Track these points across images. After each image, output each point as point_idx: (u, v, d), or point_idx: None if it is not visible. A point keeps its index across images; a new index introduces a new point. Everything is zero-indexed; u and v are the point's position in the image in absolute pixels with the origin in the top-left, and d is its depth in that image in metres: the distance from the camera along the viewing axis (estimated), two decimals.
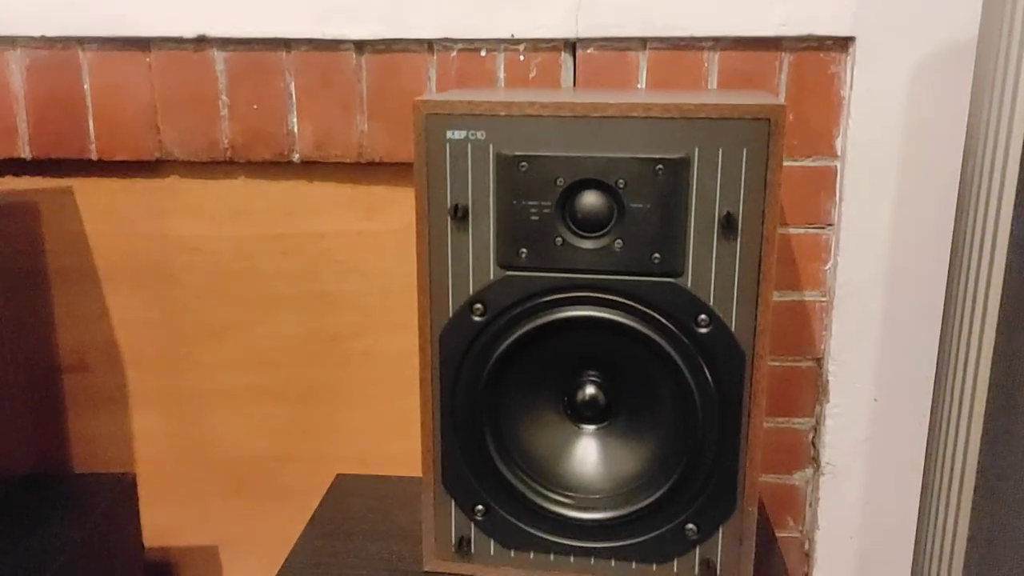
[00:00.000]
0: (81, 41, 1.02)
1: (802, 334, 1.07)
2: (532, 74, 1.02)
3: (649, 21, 0.99)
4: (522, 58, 1.02)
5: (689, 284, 0.72)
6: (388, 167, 1.07)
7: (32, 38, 1.01)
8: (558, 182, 0.72)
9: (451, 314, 0.76)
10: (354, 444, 1.18)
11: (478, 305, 0.75)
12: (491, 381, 0.76)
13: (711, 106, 0.69)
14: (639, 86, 1.02)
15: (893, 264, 1.03)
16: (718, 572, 0.78)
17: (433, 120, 0.72)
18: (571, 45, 1.01)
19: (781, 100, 0.91)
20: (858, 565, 1.14)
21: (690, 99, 0.71)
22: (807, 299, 1.06)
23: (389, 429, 1.17)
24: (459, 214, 0.73)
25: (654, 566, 0.79)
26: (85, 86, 1.03)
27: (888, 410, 1.08)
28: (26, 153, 1.05)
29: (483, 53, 1.02)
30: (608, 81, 1.02)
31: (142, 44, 1.02)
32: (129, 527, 1.02)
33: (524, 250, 0.74)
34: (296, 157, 1.06)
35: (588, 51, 1.01)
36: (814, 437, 1.11)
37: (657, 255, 0.72)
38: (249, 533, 1.21)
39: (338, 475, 1.03)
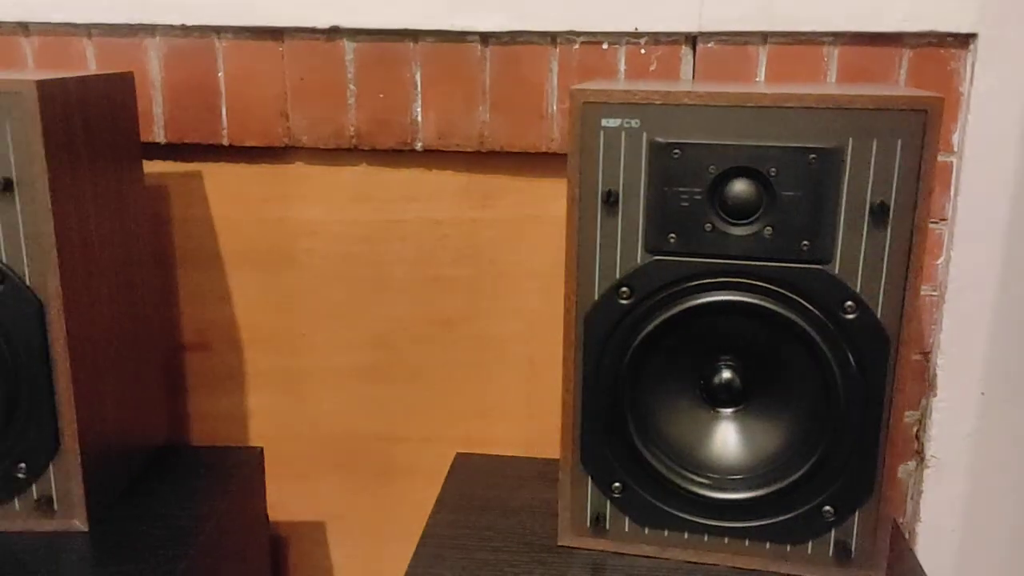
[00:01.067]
0: (218, 30, 1.06)
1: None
2: (652, 67, 1.05)
3: (771, 15, 1.01)
4: (643, 51, 1.04)
5: (837, 271, 0.74)
6: (505, 156, 1.10)
7: (171, 26, 1.06)
8: (710, 169, 0.74)
9: (596, 297, 0.79)
10: (461, 425, 1.21)
11: (624, 288, 0.78)
12: (634, 363, 0.79)
13: (867, 97, 0.70)
14: (758, 80, 1.04)
15: (1006, 260, 1.04)
16: (852, 555, 0.79)
17: (590, 108, 0.75)
18: (692, 39, 1.03)
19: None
20: (959, 559, 1.14)
21: (845, 90, 0.73)
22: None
23: (495, 411, 1.20)
24: (611, 199, 0.76)
25: (788, 547, 0.81)
26: (220, 74, 1.08)
27: (995, 405, 1.09)
28: (160, 138, 1.10)
29: (605, 46, 1.04)
30: (727, 75, 1.04)
31: (276, 34, 1.06)
32: (258, 499, 1.07)
33: (673, 235, 0.76)
34: (419, 145, 1.09)
35: (709, 45, 1.03)
36: (919, 430, 1.12)
37: (806, 242, 0.74)
38: (355, 510, 1.25)
39: (458, 454, 1.06)
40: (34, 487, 0.86)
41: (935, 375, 1.08)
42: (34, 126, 0.77)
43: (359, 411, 1.21)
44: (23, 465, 0.85)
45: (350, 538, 1.26)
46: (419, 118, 1.08)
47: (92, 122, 0.87)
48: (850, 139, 0.71)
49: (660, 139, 0.74)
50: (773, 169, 0.73)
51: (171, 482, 0.99)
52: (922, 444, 1.12)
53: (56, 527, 0.87)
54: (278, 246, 1.16)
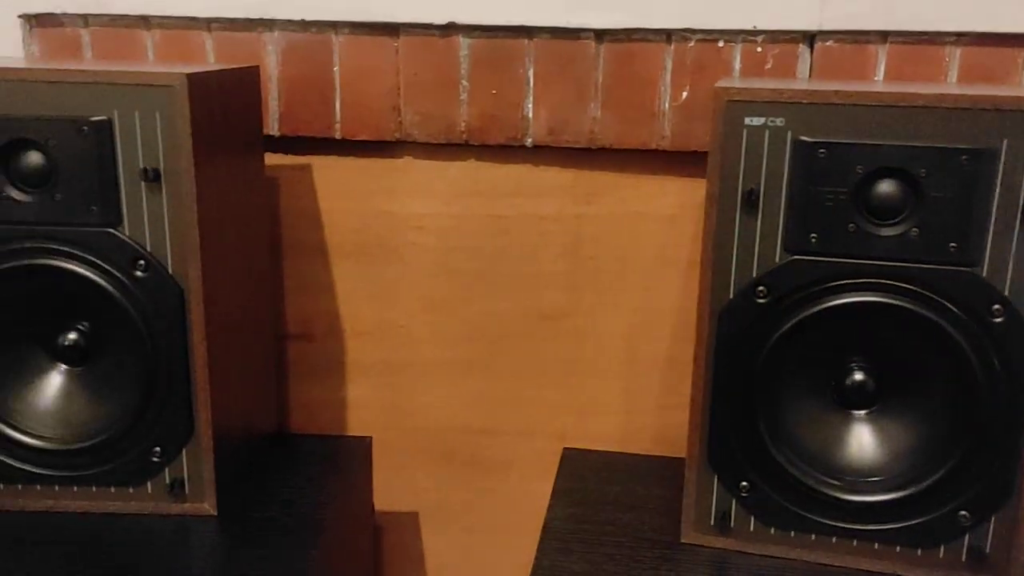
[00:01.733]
0: (335, 25, 1.07)
1: None
2: (768, 65, 1.04)
3: (892, 14, 0.99)
4: (759, 49, 1.04)
5: (985, 273, 0.73)
6: (612, 153, 1.10)
7: (290, 21, 1.07)
8: (857, 169, 0.73)
9: (732, 295, 0.79)
10: (557, 420, 1.21)
11: (761, 287, 0.78)
12: (768, 362, 0.79)
13: None
14: (876, 79, 1.03)
15: None
16: (987, 561, 0.78)
17: (734, 106, 0.75)
18: (810, 37, 1.03)
19: None
20: None
21: (1001, 91, 0.72)
22: None
23: (592, 407, 1.20)
24: (752, 198, 0.76)
25: (919, 551, 0.80)
26: (335, 68, 1.09)
27: None
28: (274, 131, 1.11)
29: (721, 44, 1.04)
30: (844, 74, 1.03)
31: (392, 30, 1.07)
32: (366, 488, 1.08)
33: (814, 235, 0.76)
34: (529, 142, 1.10)
35: (827, 43, 1.02)
36: None
37: (954, 244, 0.73)
38: (448, 502, 1.26)
39: (564, 449, 1.07)
40: (167, 471, 0.88)
41: None
42: (183, 119, 0.79)
43: (457, 404, 1.22)
44: (158, 449, 0.87)
45: (443, 528, 1.27)
46: (530, 114, 1.09)
47: (228, 115, 0.89)
48: (1004, 140, 0.70)
49: (806, 138, 0.74)
50: (923, 170, 0.72)
51: (286, 469, 1.01)
52: None
53: (186, 511, 0.89)
54: (383, 239, 1.17)
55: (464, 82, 1.08)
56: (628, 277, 1.16)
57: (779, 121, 0.74)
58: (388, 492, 1.25)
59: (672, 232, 1.14)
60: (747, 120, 0.75)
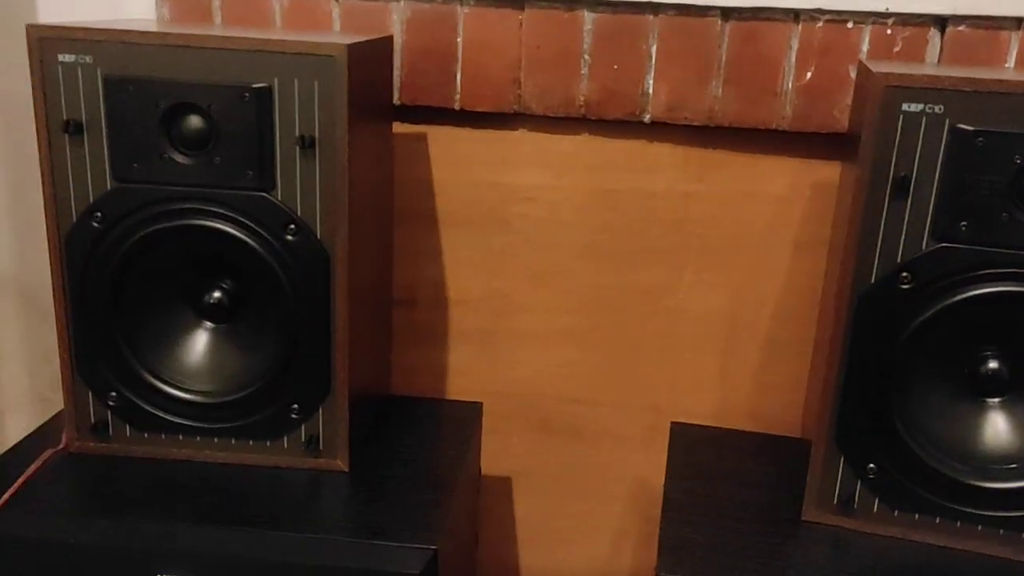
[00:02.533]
0: None
1: None
2: (897, 48, 1.03)
3: None
4: (889, 31, 1.03)
5: None
6: (729, 132, 1.11)
7: None
8: (1016, 159, 0.74)
9: (874, 280, 0.80)
10: (651, 394, 1.23)
11: (906, 273, 0.78)
12: (906, 348, 0.79)
13: None
14: (1007, 66, 1.02)
15: None
16: None
17: (892, 92, 0.75)
18: (942, 21, 1.02)
19: None
20: None
21: None
22: None
23: (687, 382, 1.22)
24: (904, 184, 0.76)
25: None
26: (458, 40, 1.10)
27: None
28: (396, 99, 1.13)
29: (850, 25, 1.03)
30: (974, 59, 1.02)
31: (517, 2, 1.08)
32: (476, 451, 1.11)
33: (965, 223, 0.76)
34: (647, 118, 1.10)
35: (959, 28, 1.01)
36: None
37: None
38: (542, 468, 1.28)
39: (672, 423, 1.08)
40: (303, 427, 0.91)
41: None
42: (341, 89, 0.81)
43: (554, 373, 1.24)
44: (296, 406, 0.90)
45: (535, 494, 1.30)
46: (650, 90, 1.09)
47: (371, 85, 0.91)
48: None
49: (965, 126, 0.74)
50: None
51: (405, 429, 1.04)
52: None
53: (320, 465, 0.92)
54: (493, 209, 1.19)
55: (586, 56, 1.09)
56: (732, 256, 1.17)
57: (938, 108, 0.74)
58: (484, 457, 1.28)
59: (781, 213, 1.14)
60: (905, 106, 0.75)
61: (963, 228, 0.76)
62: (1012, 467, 0.80)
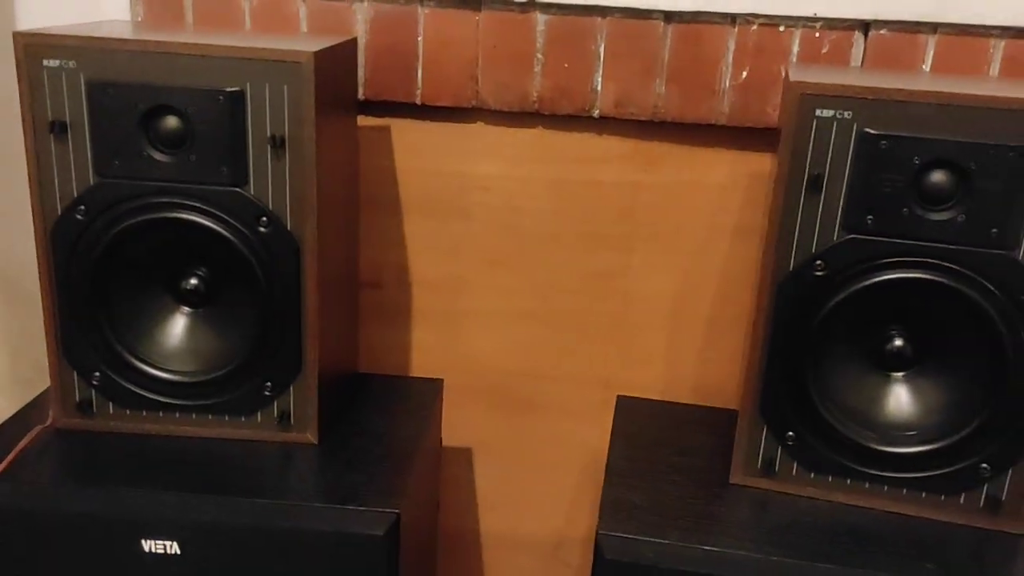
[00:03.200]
0: None
1: None
2: (824, 50, 1.12)
3: (945, 6, 1.07)
4: (817, 35, 1.12)
5: (1021, 256, 0.83)
6: (673, 126, 1.19)
7: None
8: (914, 160, 0.83)
9: (791, 267, 0.89)
10: (602, 369, 1.32)
11: (819, 261, 0.88)
12: (820, 328, 0.89)
13: None
14: (924, 67, 1.11)
15: None
16: (1001, 508, 0.90)
17: (806, 99, 0.84)
18: (866, 25, 1.11)
19: None
20: None
21: None
22: None
23: (635, 359, 1.31)
24: (817, 182, 0.85)
25: (943, 496, 0.92)
26: (419, 39, 1.17)
27: None
28: (360, 94, 1.20)
29: (782, 29, 1.12)
30: (895, 62, 1.11)
31: (474, 4, 1.15)
32: (437, 424, 1.19)
33: (871, 217, 0.85)
34: (596, 113, 1.18)
35: (881, 32, 1.10)
36: None
37: (995, 230, 0.83)
38: (500, 440, 1.37)
39: (618, 396, 1.17)
40: (276, 403, 0.99)
41: None
42: (307, 92, 0.88)
43: (511, 351, 1.33)
44: (269, 384, 0.98)
45: (494, 463, 1.39)
46: (599, 87, 1.17)
47: (336, 85, 0.98)
48: None
49: (870, 130, 0.83)
50: (973, 163, 0.81)
51: (371, 405, 1.12)
52: None
53: (291, 439, 1.00)
54: (453, 198, 1.27)
55: (539, 55, 1.16)
56: (678, 241, 1.26)
57: (847, 114, 0.83)
58: (446, 429, 1.37)
59: (721, 201, 1.23)
60: (818, 112, 0.84)
61: (870, 221, 0.85)
62: (912, 434, 0.90)
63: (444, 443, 1.36)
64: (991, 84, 0.98)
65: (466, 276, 1.30)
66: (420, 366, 1.35)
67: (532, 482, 1.38)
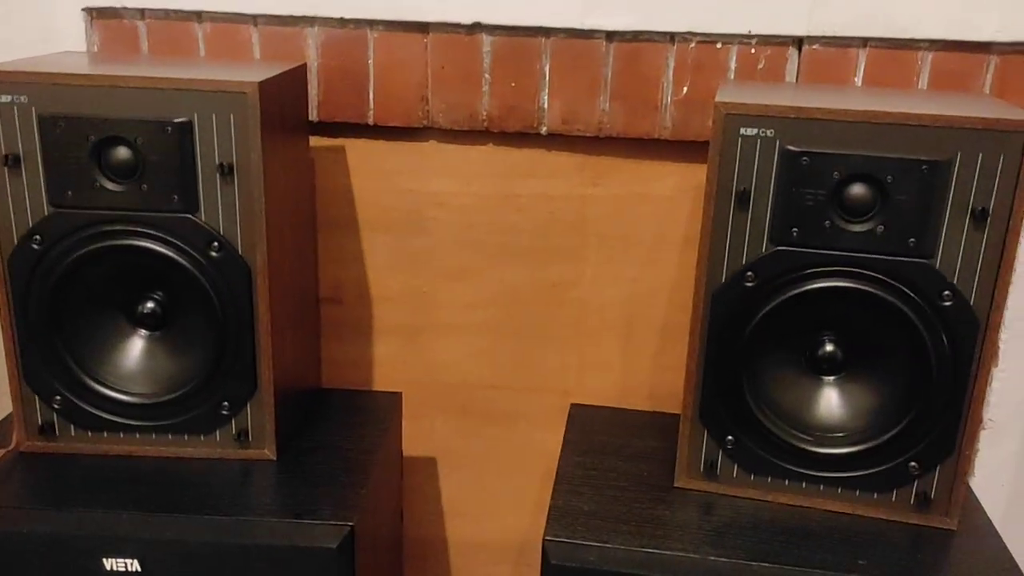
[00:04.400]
0: (371, 23, 1.18)
1: None
2: (760, 65, 1.16)
3: (873, 22, 1.12)
4: (753, 51, 1.16)
5: (938, 265, 0.87)
6: (619, 141, 1.23)
7: (330, 18, 1.18)
8: (834, 175, 0.87)
9: (724, 279, 0.93)
10: (561, 378, 1.36)
11: (749, 273, 0.91)
12: (752, 337, 0.93)
13: (976, 118, 0.83)
14: (856, 80, 1.15)
15: None
16: (931, 504, 0.94)
17: (731, 119, 0.88)
18: (799, 41, 1.15)
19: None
20: (1006, 509, 1.29)
21: (957, 111, 0.85)
22: None
23: (592, 367, 1.35)
24: (744, 197, 0.89)
25: (875, 495, 0.96)
26: (370, 61, 1.20)
27: None
28: (314, 116, 1.23)
29: (719, 46, 1.16)
30: (828, 75, 1.15)
31: (422, 27, 1.18)
32: (396, 437, 1.22)
33: (796, 229, 0.89)
34: (543, 130, 1.22)
35: (813, 47, 1.15)
36: None
37: (913, 239, 0.87)
38: (465, 449, 1.40)
39: (572, 404, 1.21)
40: (233, 422, 1.02)
41: (998, 348, 1.21)
42: (254, 121, 0.91)
43: (471, 362, 1.36)
44: (226, 403, 1.01)
45: (458, 472, 1.42)
46: (545, 105, 1.21)
47: (284, 110, 1.01)
48: (959, 153, 0.84)
49: (792, 147, 0.87)
50: (890, 177, 0.85)
51: (330, 420, 1.15)
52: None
53: (249, 456, 1.03)
54: (409, 214, 1.30)
55: (487, 75, 1.20)
56: (628, 251, 1.30)
57: (769, 132, 0.87)
58: (409, 439, 1.40)
59: (670, 212, 1.27)
60: (742, 130, 0.88)
61: (795, 233, 0.89)
62: (843, 435, 0.94)
63: (408, 454, 1.39)
64: (916, 98, 1.02)
65: (425, 290, 1.34)
66: (383, 379, 1.38)
67: (495, 489, 1.42)
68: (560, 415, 1.36)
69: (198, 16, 1.19)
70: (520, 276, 1.31)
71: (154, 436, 1.02)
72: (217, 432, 1.02)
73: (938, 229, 0.86)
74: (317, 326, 1.32)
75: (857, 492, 0.96)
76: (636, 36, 1.16)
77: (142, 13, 1.18)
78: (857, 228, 0.88)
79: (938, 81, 1.14)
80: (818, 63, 1.15)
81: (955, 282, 0.87)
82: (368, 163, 1.28)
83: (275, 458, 1.03)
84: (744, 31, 1.14)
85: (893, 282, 0.88)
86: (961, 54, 1.13)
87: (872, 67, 1.14)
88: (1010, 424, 1.25)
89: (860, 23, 1.12)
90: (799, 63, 1.16)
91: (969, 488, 1.05)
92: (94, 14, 1.19)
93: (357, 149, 1.27)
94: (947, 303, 0.87)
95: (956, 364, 0.89)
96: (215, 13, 1.18)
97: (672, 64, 1.17)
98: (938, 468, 0.93)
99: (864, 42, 1.14)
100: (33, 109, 0.90)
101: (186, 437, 1.02)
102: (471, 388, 1.37)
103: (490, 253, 1.31)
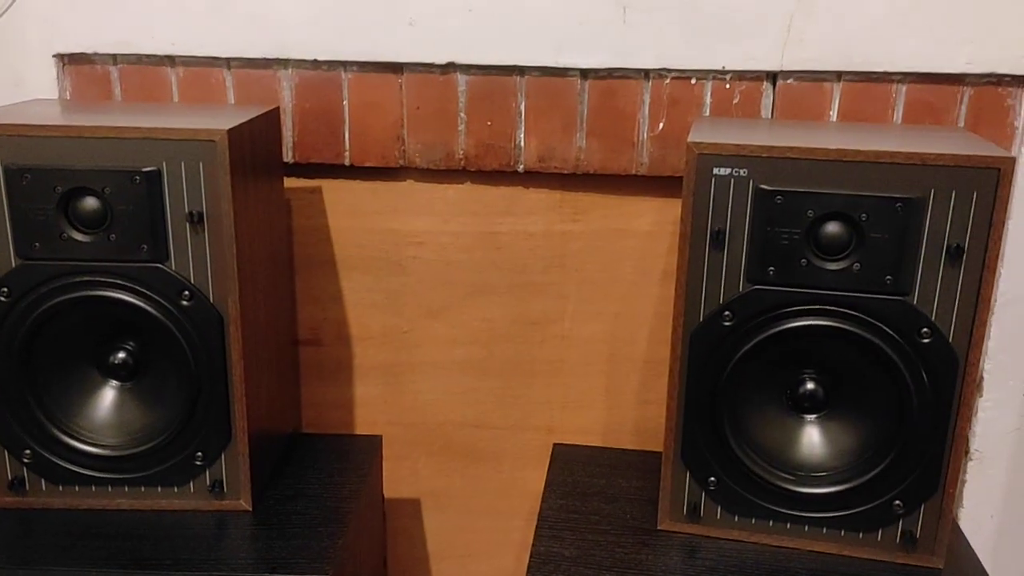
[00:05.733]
0: (345, 64, 1.18)
1: None
2: (735, 100, 1.16)
3: (847, 56, 1.12)
4: (728, 86, 1.16)
5: (915, 302, 0.87)
6: (596, 177, 1.22)
7: (304, 61, 1.18)
8: (808, 213, 0.86)
9: (702, 318, 0.92)
10: (544, 416, 1.34)
11: (727, 312, 0.91)
12: (732, 376, 0.92)
13: (949, 155, 0.82)
14: (831, 114, 1.15)
15: None
16: (917, 543, 0.93)
17: (704, 159, 0.87)
18: (773, 76, 1.15)
19: (1005, 151, 1.03)
20: (996, 541, 1.28)
21: (929, 148, 0.84)
22: None
23: (576, 404, 1.34)
24: (719, 237, 0.88)
25: (861, 534, 0.94)
26: (344, 102, 1.20)
27: None
28: (289, 158, 1.22)
29: (693, 81, 1.16)
30: (803, 109, 1.15)
31: (397, 68, 1.18)
32: (378, 480, 1.21)
33: (772, 268, 0.89)
34: (520, 168, 1.21)
35: (788, 82, 1.15)
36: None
37: (890, 277, 0.86)
38: (448, 489, 1.39)
39: (555, 444, 1.19)
40: (208, 473, 1.00)
41: (982, 378, 1.21)
42: (224, 169, 0.90)
43: (454, 401, 1.35)
44: (200, 454, 0.99)
45: (442, 513, 1.40)
46: (522, 143, 1.20)
47: (256, 154, 1.00)
48: (932, 190, 0.84)
49: (765, 186, 0.86)
50: (864, 215, 0.85)
51: (308, 466, 1.13)
52: (967, 440, 1.24)
53: (224, 507, 1.01)
54: (387, 254, 1.29)
55: (462, 114, 1.20)
56: (608, 287, 1.29)
57: (743, 172, 0.87)
58: (392, 481, 1.38)
59: (649, 247, 1.26)
60: (715, 170, 0.87)
61: (771, 272, 0.89)
62: (825, 474, 0.93)
63: (391, 495, 1.37)
64: (890, 133, 1.02)
65: (405, 329, 1.32)
66: (364, 419, 1.36)
67: (480, 530, 1.40)
68: (544, 453, 1.35)
69: (171, 60, 1.18)
70: (501, 313, 1.30)
71: (127, 489, 1.00)
72: (191, 484, 1.00)
73: (914, 266, 0.85)
74: (295, 369, 1.30)
75: (842, 532, 0.95)
76: (610, 73, 1.16)
77: (114, 59, 1.18)
78: (833, 266, 0.87)
79: (912, 114, 1.14)
80: (793, 97, 1.15)
81: (933, 319, 0.86)
82: (345, 203, 1.27)
83: (251, 508, 1.01)
84: (718, 67, 1.14)
85: (871, 320, 0.88)
86: (935, 86, 1.13)
87: (847, 100, 1.14)
88: (997, 454, 1.24)
89: (834, 57, 1.12)
90: (774, 97, 1.16)
91: (956, 524, 1.04)
92: (66, 60, 1.18)
93: (334, 189, 1.26)
94: (925, 340, 0.87)
95: (937, 401, 0.88)
96: (188, 57, 1.18)
97: (647, 100, 1.17)
98: (922, 506, 0.92)
99: (838, 76, 1.14)
100: None
101: (159, 489, 1.00)
102: (454, 427, 1.36)
103: (470, 291, 1.30)
